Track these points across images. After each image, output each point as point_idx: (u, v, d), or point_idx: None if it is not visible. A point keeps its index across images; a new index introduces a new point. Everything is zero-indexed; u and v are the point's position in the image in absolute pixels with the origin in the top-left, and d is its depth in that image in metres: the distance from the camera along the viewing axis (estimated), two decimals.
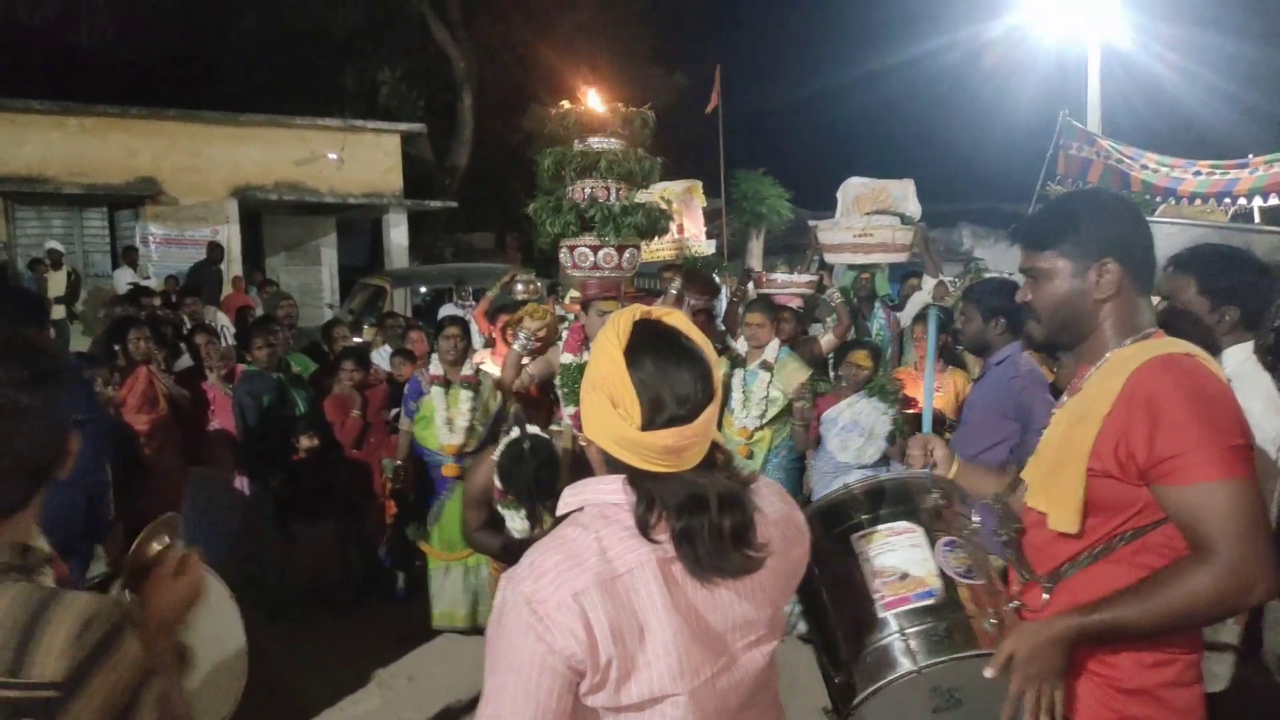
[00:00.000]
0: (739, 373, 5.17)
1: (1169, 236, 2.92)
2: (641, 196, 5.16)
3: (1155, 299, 2.82)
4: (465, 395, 4.93)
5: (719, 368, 5.12)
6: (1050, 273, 1.78)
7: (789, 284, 6.93)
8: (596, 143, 4.80)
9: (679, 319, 1.38)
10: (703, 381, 1.32)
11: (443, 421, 4.90)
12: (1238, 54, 13.59)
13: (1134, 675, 1.64)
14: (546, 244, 5.02)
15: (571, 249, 4.79)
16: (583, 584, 1.25)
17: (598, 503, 1.35)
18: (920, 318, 5.47)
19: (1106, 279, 1.72)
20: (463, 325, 5.24)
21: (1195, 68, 13.32)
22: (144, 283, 11.57)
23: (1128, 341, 1.71)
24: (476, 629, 4.83)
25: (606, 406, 1.31)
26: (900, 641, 1.69)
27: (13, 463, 1.21)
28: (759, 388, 5.06)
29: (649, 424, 1.28)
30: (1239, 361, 2.44)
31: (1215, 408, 1.57)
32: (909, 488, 1.91)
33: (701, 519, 1.28)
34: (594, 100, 4.95)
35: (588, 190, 4.73)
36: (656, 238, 5.36)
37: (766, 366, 5.09)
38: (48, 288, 11.63)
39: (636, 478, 1.32)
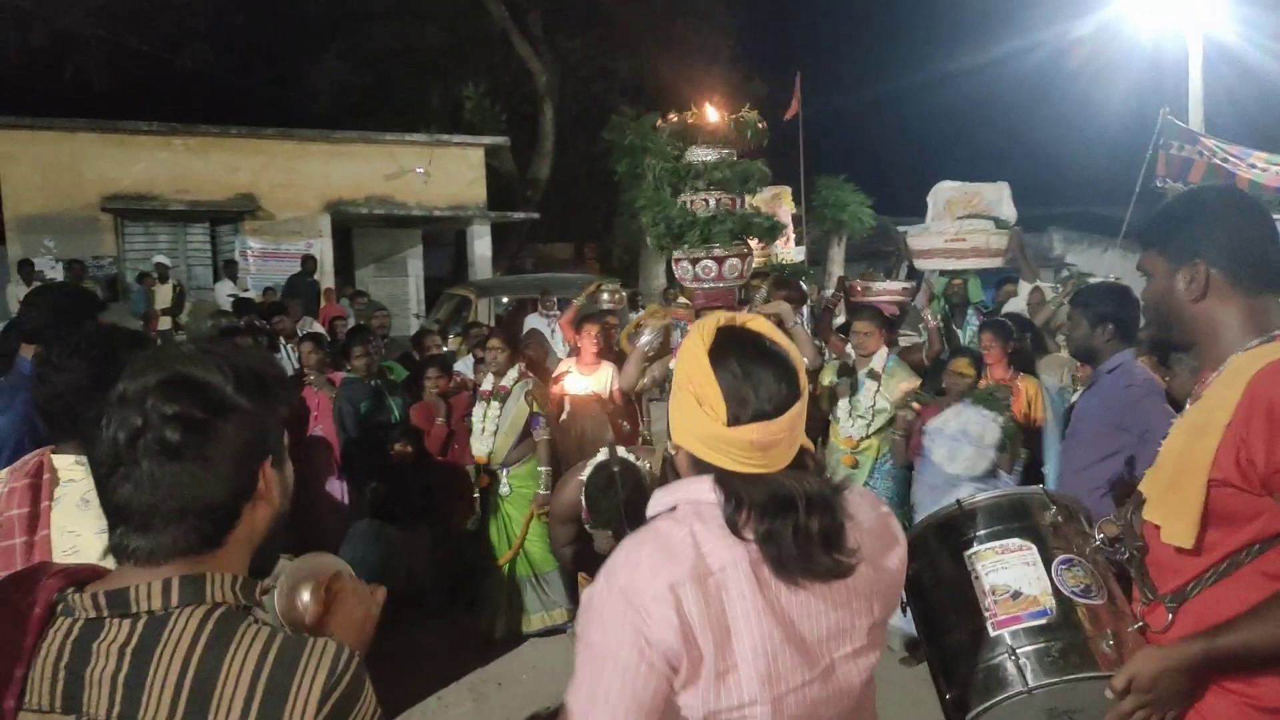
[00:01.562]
0: (845, 381, 5.15)
1: None
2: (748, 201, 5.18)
3: None
4: (494, 405, 5.07)
5: (828, 373, 5.10)
6: (1151, 272, 1.80)
7: (884, 291, 6.85)
8: (698, 153, 4.82)
9: (763, 324, 1.39)
10: (787, 380, 1.32)
11: (478, 433, 5.11)
12: None
13: (1272, 693, 1.56)
14: (660, 251, 5.07)
15: (694, 262, 4.80)
16: (679, 575, 1.25)
17: (690, 500, 1.34)
18: (986, 327, 5.34)
19: (1195, 281, 1.70)
20: (505, 337, 5.41)
21: None
22: (243, 295, 12.03)
23: (1251, 345, 1.65)
24: (512, 634, 4.95)
25: (693, 405, 1.32)
26: (1011, 661, 1.64)
27: (179, 504, 1.08)
28: (866, 397, 5.05)
29: (734, 420, 1.28)
30: None
31: None
32: (1025, 503, 1.85)
33: (788, 519, 1.27)
34: (709, 111, 4.96)
35: (711, 201, 4.73)
36: (769, 244, 5.39)
37: (874, 375, 5.07)
38: (155, 300, 12.20)
39: (724, 478, 1.31)
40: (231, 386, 1.12)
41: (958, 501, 1.86)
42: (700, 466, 1.34)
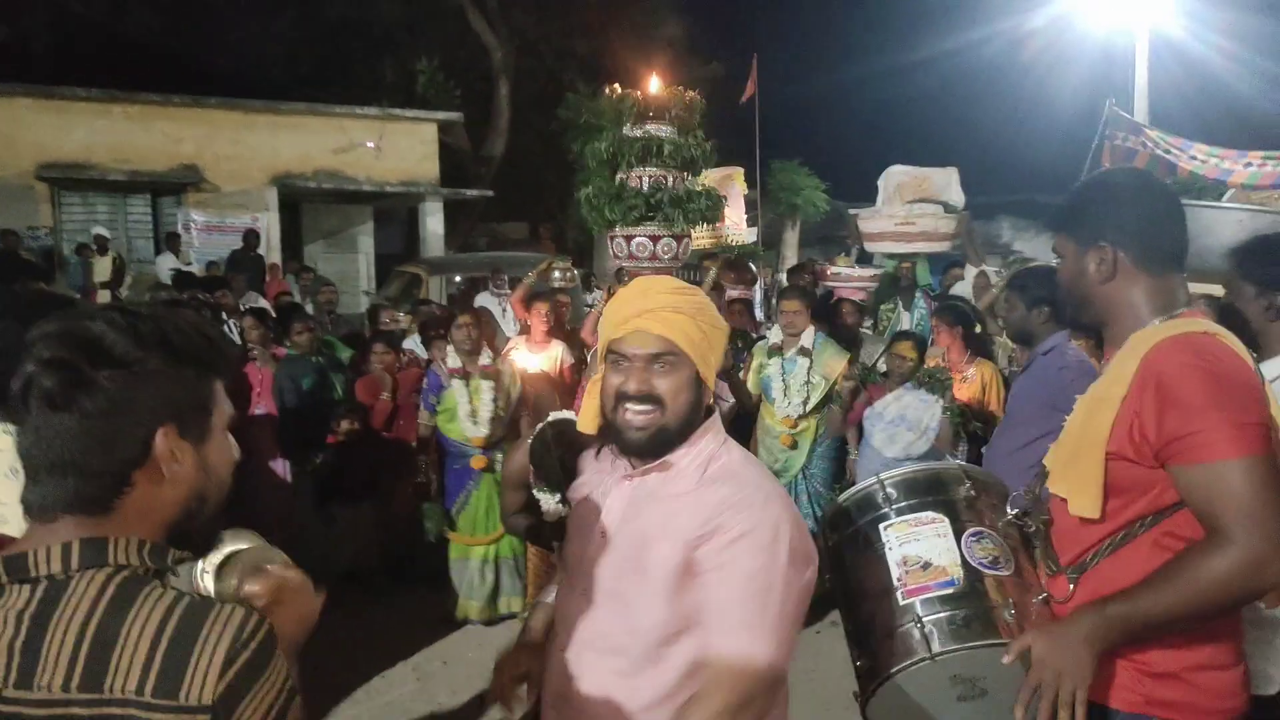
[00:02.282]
0: (777, 360, 5.13)
1: (1238, 224, 2.85)
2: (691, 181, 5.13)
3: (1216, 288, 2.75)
4: (486, 386, 4.91)
5: (757, 354, 5.10)
6: (1062, 254, 1.85)
7: (851, 277, 6.88)
8: (655, 129, 4.76)
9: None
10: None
11: (466, 414, 4.87)
12: None
13: (1162, 659, 1.61)
14: (596, 231, 5.01)
15: (629, 239, 4.75)
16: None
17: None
18: (941, 312, 5.40)
19: (1104, 263, 1.74)
20: (475, 314, 5.23)
21: (1248, 54, 12.96)
22: (186, 269, 11.74)
23: (1154, 323, 1.70)
24: (493, 620, 4.87)
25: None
26: (917, 628, 1.70)
27: (57, 456, 1.04)
28: (799, 374, 5.03)
29: None
30: None
31: (1229, 385, 1.54)
32: (940, 478, 1.92)
33: None
34: (654, 84, 4.92)
35: (646, 178, 4.68)
36: (710, 225, 5.35)
37: (805, 353, 5.05)
38: (94, 273, 11.84)
39: None
40: (128, 343, 1.06)
41: (877, 476, 1.91)
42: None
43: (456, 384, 4.92)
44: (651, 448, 1.62)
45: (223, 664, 1.00)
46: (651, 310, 1.61)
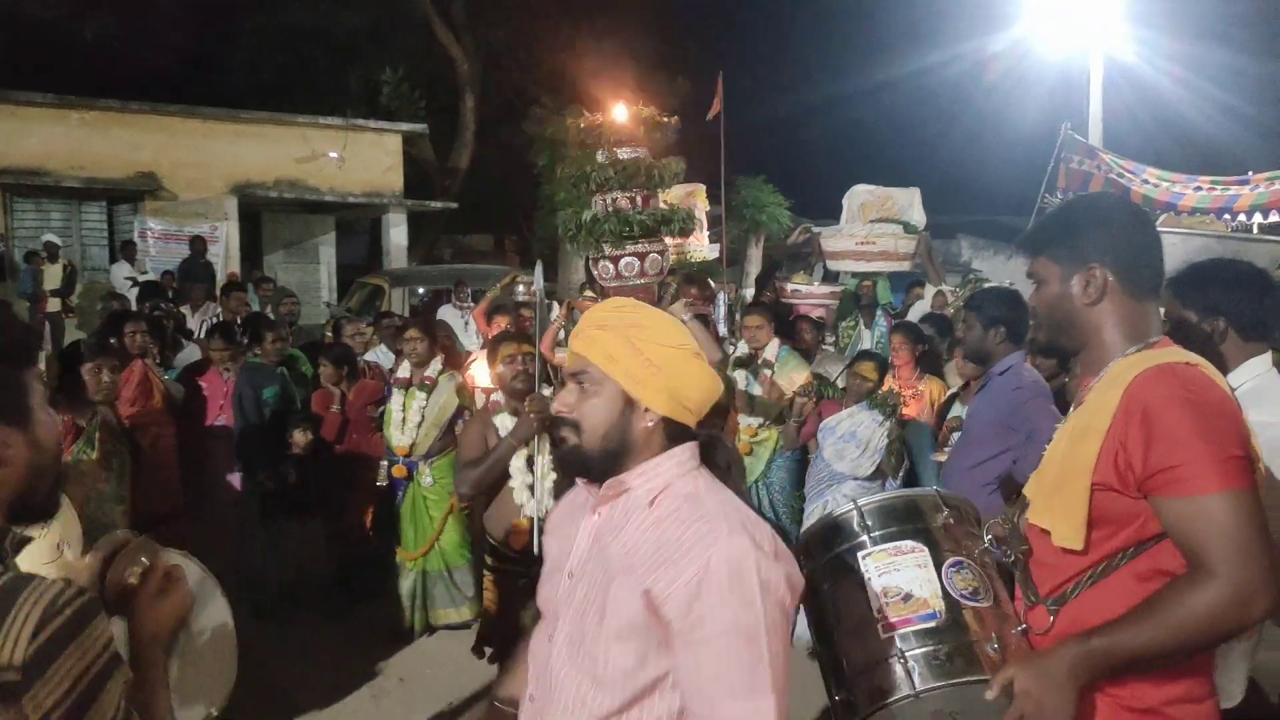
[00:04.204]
0: (741, 373, 5.25)
1: (1170, 247, 2.90)
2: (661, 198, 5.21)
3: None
4: (420, 395, 4.92)
5: (729, 365, 5.13)
6: (1042, 277, 1.80)
7: (810, 295, 6.94)
8: (625, 154, 4.82)
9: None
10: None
11: (397, 422, 4.90)
12: (1241, 68, 13.61)
13: (1140, 693, 1.59)
14: (579, 253, 5.08)
15: (616, 260, 4.81)
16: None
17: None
18: (897, 329, 5.52)
19: (1092, 285, 1.72)
20: (425, 327, 5.23)
21: (1199, 82, 13.33)
22: (141, 277, 11.52)
23: (1130, 351, 1.68)
24: (433, 629, 4.84)
25: None
26: (900, 664, 1.65)
27: None
28: (761, 387, 5.16)
29: None
30: (1259, 374, 2.38)
31: (1213, 418, 1.52)
32: (918, 505, 1.85)
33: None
34: (620, 112, 4.97)
35: (612, 202, 4.74)
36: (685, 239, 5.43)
37: (768, 365, 5.20)
38: (44, 280, 11.58)
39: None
40: None
41: (853, 502, 1.86)
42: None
43: (396, 394, 4.99)
44: (571, 470, 1.57)
45: (34, 628, 1.10)
46: (581, 330, 1.57)
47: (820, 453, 4.75)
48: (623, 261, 4.85)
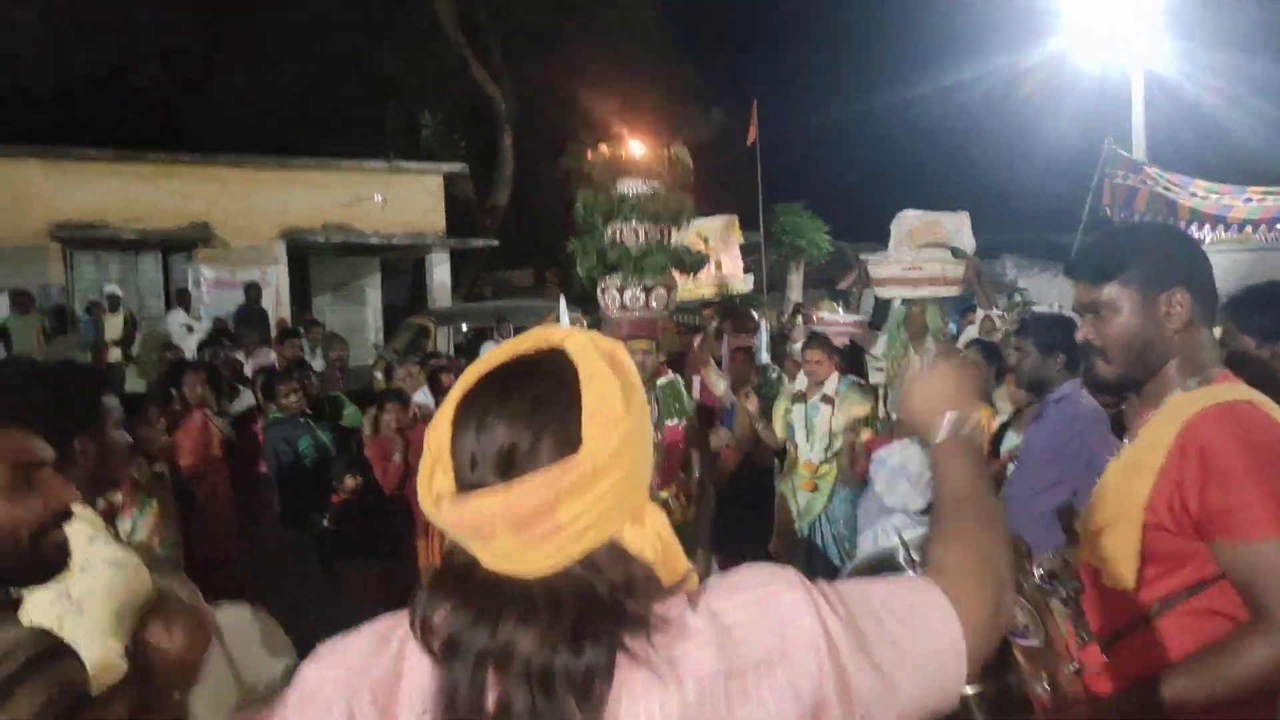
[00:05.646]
0: (799, 408, 5.29)
1: (1224, 267, 2.85)
2: (677, 235, 5.24)
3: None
4: None
5: (782, 401, 5.21)
6: (1115, 305, 1.68)
7: (835, 323, 6.93)
8: (626, 186, 4.89)
9: (580, 343, 0.96)
10: (533, 432, 0.91)
11: None
12: None
13: None
14: (586, 283, 5.11)
15: (603, 291, 4.88)
16: (359, 683, 0.99)
17: None
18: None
19: (1178, 309, 1.64)
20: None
21: (1242, 93, 13.11)
22: (196, 325, 11.84)
23: (1191, 383, 1.64)
24: None
25: (427, 461, 0.98)
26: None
27: None
28: (822, 421, 5.19)
29: (461, 486, 0.93)
30: None
31: (1273, 460, 1.49)
32: None
33: (473, 643, 0.89)
34: (634, 145, 5.03)
35: (619, 232, 4.82)
36: (693, 275, 5.46)
37: (828, 400, 5.21)
38: (105, 331, 11.94)
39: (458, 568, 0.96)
40: None
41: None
42: None
43: None
44: None
45: None
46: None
47: (871, 486, 4.72)
48: (628, 293, 4.90)
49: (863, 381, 5.99)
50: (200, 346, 8.90)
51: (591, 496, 0.89)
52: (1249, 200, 9.54)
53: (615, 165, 5.03)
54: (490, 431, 0.92)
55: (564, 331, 0.99)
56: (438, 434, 0.95)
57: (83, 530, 1.56)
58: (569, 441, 0.90)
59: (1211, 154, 12.86)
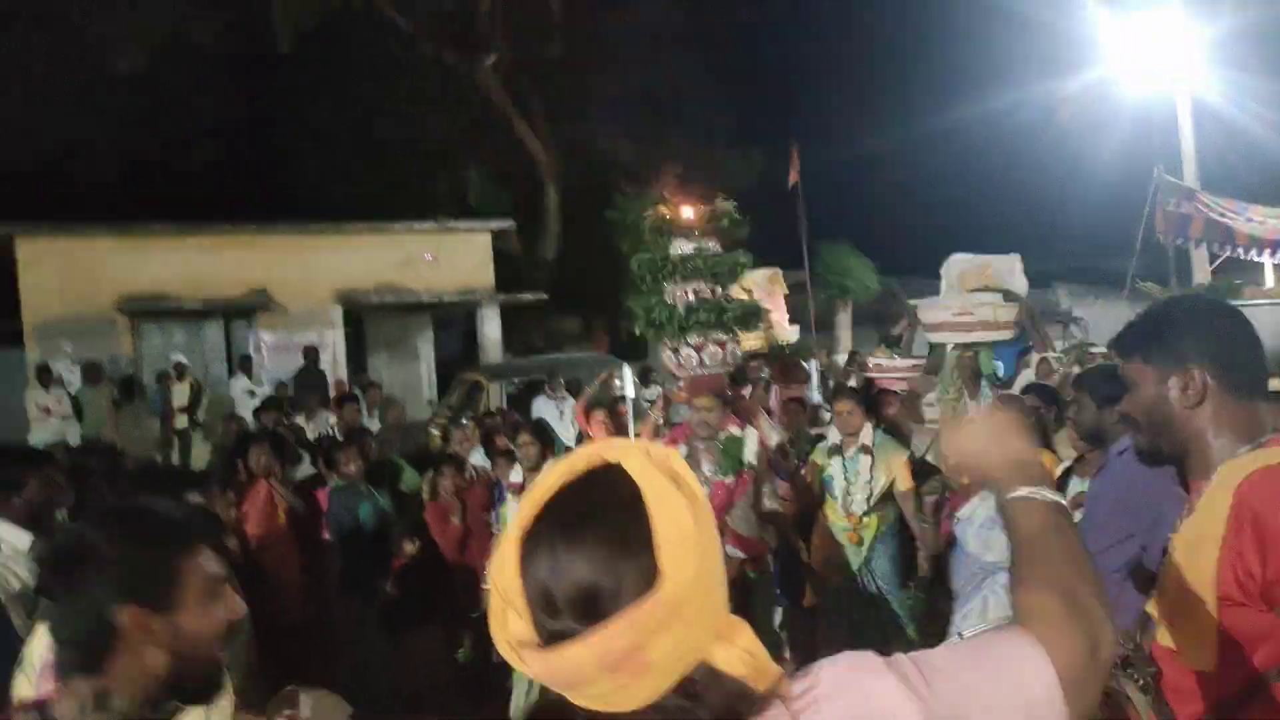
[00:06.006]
0: (837, 460, 5.22)
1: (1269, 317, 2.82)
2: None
3: None
4: None
5: (818, 454, 5.20)
6: (1136, 380, 1.76)
7: (892, 368, 6.90)
8: (677, 246, 4.98)
9: (635, 461, 0.93)
10: (610, 573, 0.88)
11: None
12: None
13: None
14: (645, 338, 5.21)
15: (676, 350, 4.96)
16: None
17: None
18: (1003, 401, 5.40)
19: (1191, 387, 1.66)
20: (537, 430, 5.28)
21: None
22: (258, 390, 12.16)
23: (1241, 451, 1.60)
24: None
25: (497, 604, 0.93)
26: None
27: (61, 635, 1.37)
28: (862, 472, 5.12)
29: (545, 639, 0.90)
30: None
31: None
32: None
33: None
34: (688, 210, 5.14)
35: (691, 292, 4.92)
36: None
37: (866, 450, 5.14)
38: (173, 398, 12.33)
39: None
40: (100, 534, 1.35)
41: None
42: None
43: (511, 500, 5.04)
44: None
45: None
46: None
47: (963, 548, 4.57)
48: (681, 352, 4.96)
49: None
50: (257, 411, 9.09)
51: (679, 627, 0.87)
52: None
53: (665, 224, 5.14)
54: (567, 574, 0.88)
55: (619, 447, 0.96)
56: (505, 575, 0.92)
57: None
58: (648, 573, 0.87)
59: (1260, 180, 12.58)
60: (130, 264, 14.26)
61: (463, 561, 5.43)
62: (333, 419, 9.26)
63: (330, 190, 18.96)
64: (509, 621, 0.92)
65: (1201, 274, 10.59)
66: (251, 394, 11.98)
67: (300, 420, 9.31)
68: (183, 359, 13.15)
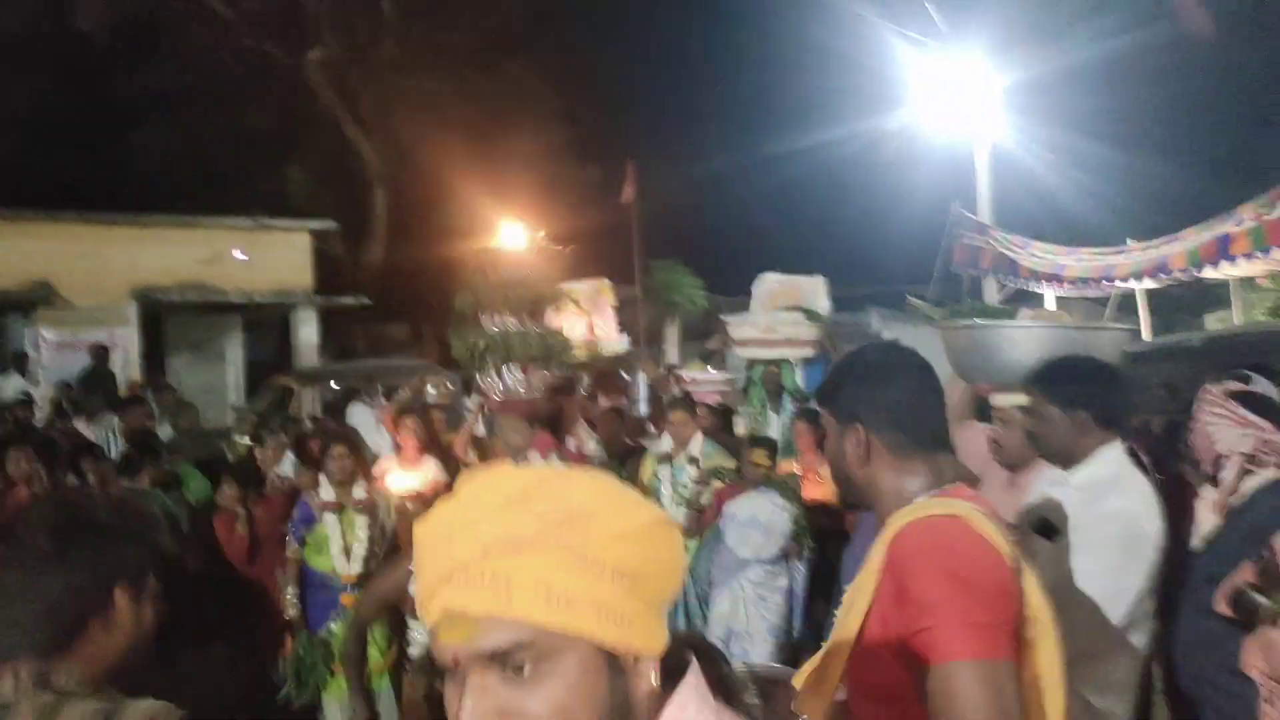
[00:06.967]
0: (665, 468, 5.34)
1: (1036, 340, 3.06)
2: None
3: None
4: (361, 521, 4.67)
5: (648, 463, 5.36)
6: (826, 432, 1.78)
7: (704, 382, 7.19)
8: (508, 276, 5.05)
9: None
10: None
11: (339, 550, 4.61)
12: (1108, 157, 14.79)
13: None
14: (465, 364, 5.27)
15: (484, 376, 5.04)
16: None
17: None
18: (799, 416, 5.75)
19: (858, 445, 1.66)
20: (349, 442, 5.02)
21: (1069, 166, 14.37)
22: (34, 390, 11.05)
23: (919, 501, 1.58)
24: None
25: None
26: None
27: (41, 607, 1.32)
28: (686, 481, 5.34)
29: None
30: (1111, 461, 2.50)
31: (965, 579, 1.41)
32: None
33: None
34: (505, 236, 5.28)
35: (513, 322, 5.05)
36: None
37: (693, 460, 5.36)
38: None
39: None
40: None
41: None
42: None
43: (329, 518, 4.69)
44: None
45: None
46: (464, 564, 0.86)
47: (723, 539, 4.79)
48: (500, 378, 5.12)
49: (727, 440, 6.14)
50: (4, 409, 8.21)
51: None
52: (1080, 260, 10.30)
53: (487, 259, 5.26)
54: None
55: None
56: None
57: None
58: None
59: (1047, 217, 13.93)
60: None
61: (253, 573, 5.09)
62: (116, 422, 8.51)
63: (135, 180, 17.56)
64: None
65: (991, 300, 11.53)
66: (26, 395, 10.84)
67: (80, 424, 8.51)
68: None
